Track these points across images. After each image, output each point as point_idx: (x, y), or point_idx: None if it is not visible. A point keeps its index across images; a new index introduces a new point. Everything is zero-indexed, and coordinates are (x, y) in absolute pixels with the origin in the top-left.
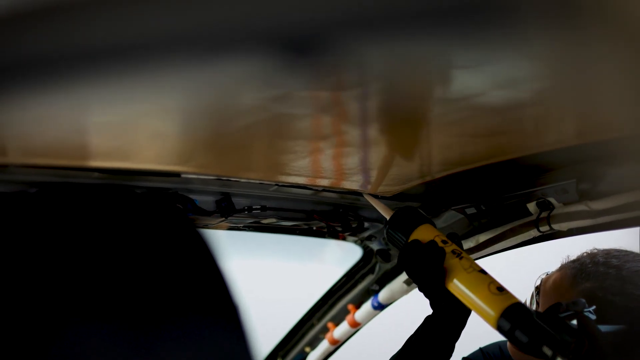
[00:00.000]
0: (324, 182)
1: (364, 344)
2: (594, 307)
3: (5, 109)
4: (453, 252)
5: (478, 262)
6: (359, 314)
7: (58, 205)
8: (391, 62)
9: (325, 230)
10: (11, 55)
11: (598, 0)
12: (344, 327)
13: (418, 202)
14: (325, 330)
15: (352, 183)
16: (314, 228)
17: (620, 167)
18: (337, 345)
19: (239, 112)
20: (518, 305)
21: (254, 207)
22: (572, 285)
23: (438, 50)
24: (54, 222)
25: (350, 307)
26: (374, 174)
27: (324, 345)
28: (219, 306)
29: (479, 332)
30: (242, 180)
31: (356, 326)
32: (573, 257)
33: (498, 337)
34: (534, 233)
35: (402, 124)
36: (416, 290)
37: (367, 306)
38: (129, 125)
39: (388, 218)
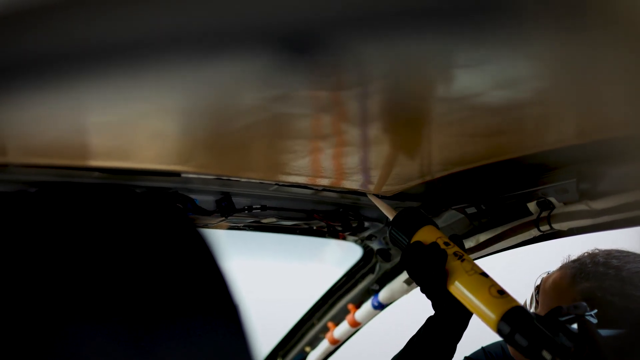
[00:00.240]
0: (326, 182)
1: (365, 344)
2: (595, 310)
3: (5, 108)
4: (455, 254)
5: (478, 261)
6: (359, 314)
7: (59, 204)
8: (391, 61)
9: (326, 229)
10: (11, 54)
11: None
12: (344, 327)
13: (418, 201)
14: (325, 329)
15: (356, 183)
16: (314, 228)
17: (621, 167)
18: (337, 344)
19: (239, 112)
20: (518, 309)
21: (254, 206)
22: (572, 285)
23: (439, 49)
24: (55, 221)
25: (350, 306)
26: (377, 174)
27: (324, 345)
28: (219, 306)
29: (481, 331)
30: (243, 179)
31: (356, 326)
32: (574, 256)
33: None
34: (534, 233)
35: (402, 123)
36: (417, 290)
37: (367, 306)
38: (129, 124)
39: (391, 219)
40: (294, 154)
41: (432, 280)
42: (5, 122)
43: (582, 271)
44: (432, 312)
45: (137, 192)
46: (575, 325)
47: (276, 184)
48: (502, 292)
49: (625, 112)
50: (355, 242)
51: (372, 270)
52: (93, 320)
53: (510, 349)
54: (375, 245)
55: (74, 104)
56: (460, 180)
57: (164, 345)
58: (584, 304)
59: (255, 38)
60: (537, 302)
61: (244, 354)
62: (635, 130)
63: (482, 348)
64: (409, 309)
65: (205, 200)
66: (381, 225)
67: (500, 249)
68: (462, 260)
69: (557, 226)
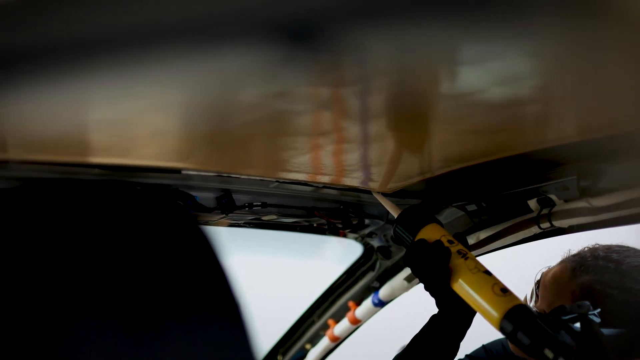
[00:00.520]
0: (329, 179)
1: (367, 342)
2: (598, 310)
3: (5, 102)
4: (459, 252)
5: (479, 259)
6: (360, 311)
7: (61, 201)
8: (392, 53)
9: (326, 227)
10: (10, 45)
11: None
12: (344, 324)
13: (418, 199)
14: (325, 327)
15: (361, 181)
16: (315, 225)
17: (622, 164)
18: (337, 342)
19: (239, 108)
20: (521, 307)
21: (254, 203)
22: (572, 278)
23: (442, 43)
24: (57, 218)
25: (350, 304)
26: (381, 171)
27: (324, 342)
28: (220, 302)
29: (482, 329)
30: (243, 176)
31: (356, 323)
32: (574, 251)
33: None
34: (534, 230)
35: (403, 120)
36: (418, 287)
37: (367, 303)
38: (130, 121)
39: (396, 216)
40: (295, 151)
41: (436, 278)
42: (6, 118)
43: (582, 265)
44: (432, 311)
45: (138, 189)
46: (578, 324)
47: (277, 181)
48: (505, 291)
49: (626, 109)
50: (356, 239)
51: (372, 268)
52: (94, 316)
53: (512, 346)
54: (375, 243)
55: (75, 99)
56: (461, 177)
57: (166, 342)
58: (587, 302)
59: (255, 28)
60: (537, 296)
61: (245, 351)
62: (636, 127)
63: (483, 346)
64: (411, 307)
65: (206, 197)
66: (382, 223)
67: (501, 246)
68: (466, 259)
69: (557, 223)
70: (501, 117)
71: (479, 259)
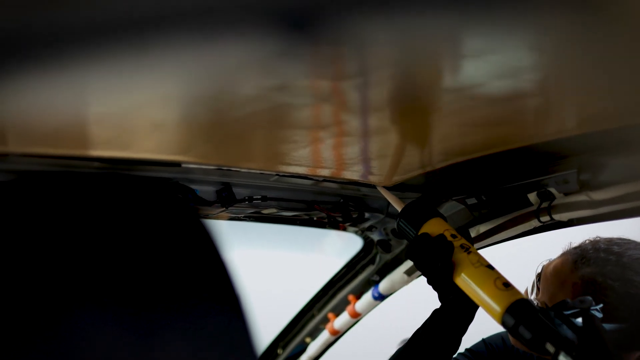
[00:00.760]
0: (330, 173)
1: (367, 336)
2: (600, 305)
3: (4, 95)
4: (462, 246)
5: (480, 252)
6: (360, 305)
7: (61, 193)
8: (393, 43)
9: (326, 220)
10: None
11: None
12: (344, 318)
13: (418, 192)
14: (325, 320)
15: (362, 175)
16: (315, 218)
17: (621, 158)
18: (337, 335)
19: (239, 101)
20: (523, 302)
21: (254, 197)
22: (573, 271)
23: (443, 33)
24: (58, 210)
25: (350, 297)
26: (385, 164)
27: (324, 336)
28: (221, 294)
29: (482, 324)
30: (243, 170)
31: (356, 317)
32: (575, 244)
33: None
34: (534, 223)
35: (403, 113)
36: (418, 282)
37: (367, 297)
38: (129, 113)
39: (399, 210)
40: (295, 144)
41: (439, 272)
42: (5, 110)
43: (583, 257)
44: (433, 305)
45: (140, 181)
46: (579, 319)
47: (277, 175)
48: (507, 285)
49: (626, 102)
50: (356, 233)
51: (372, 261)
52: (96, 307)
53: (513, 340)
54: (375, 236)
55: (74, 91)
56: (461, 170)
57: (166, 332)
58: (589, 298)
59: (254, 16)
60: (538, 289)
61: (245, 341)
62: (636, 120)
63: (483, 340)
64: (413, 301)
65: (206, 190)
66: (382, 216)
67: (501, 239)
68: (469, 253)
69: (557, 217)
70: (501, 109)
71: (479, 252)
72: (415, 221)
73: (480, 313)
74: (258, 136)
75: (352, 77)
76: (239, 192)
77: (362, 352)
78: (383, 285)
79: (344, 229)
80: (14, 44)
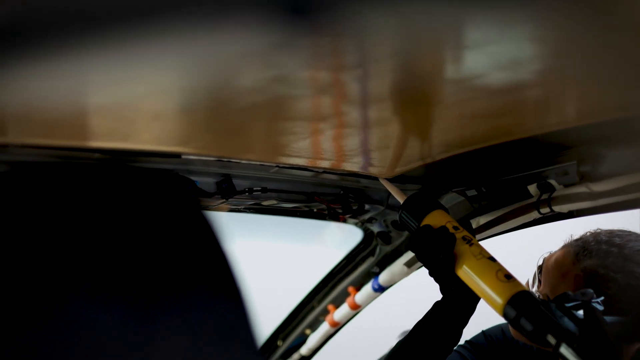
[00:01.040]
0: (331, 164)
1: (368, 328)
2: (602, 297)
3: (4, 85)
4: (464, 238)
5: (481, 244)
6: (359, 297)
7: (62, 184)
8: (394, 32)
9: (326, 212)
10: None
11: None
12: (344, 310)
13: (418, 184)
14: (325, 312)
15: (362, 166)
16: (315, 210)
17: (621, 149)
18: (337, 327)
19: (239, 92)
20: (524, 294)
21: (254, 188)
22: (574, 262)
23: (445, 23)
24: (60, 200)
25: (350, 289)
26: (386, 156)
27: (324, 328)
28: (222, 285)
29: (482, 315)
30: (243, 161)
31: (356, 308)
32: (576, 236)
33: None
34: (534, 215)
35: (404, 104)
36: (419, 273)
37: (367, 288)
38: (129, 104)
39: (402, 202)
40: (295, 136)
41: (441, 263)
42: (6, 100)
43: (585, 249)
44: (434, 297)
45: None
46: (581, 312)
47: (277, 166)
48: (509, 277)
49: (626, 94)
50: (356, 224)
51: (372, 253)
52: (96, 293)
53: (514, 332)
54: (375, 228)
55: (74, 81)
56: (461, 162)
57: (166, 319)
58: (591, 290)
59: (255, 4)
60: (539, 281)
61: (245, 330)
62: (635, 111)
63: (483, 332)
64: (414, 293)
65: (206, 182)
66: (382, 208)
67: (501, 231)
68: (471, 245)
69: (557, 208)
70: (502, 101)
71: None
72: (417, 213)
73: (480, 305)
74: (258, 127)
75: (352, 68)
76: (239, 183)
77: (363, 344)
78: (383, 277)
79: (344, 221)
80: (13, 33)
